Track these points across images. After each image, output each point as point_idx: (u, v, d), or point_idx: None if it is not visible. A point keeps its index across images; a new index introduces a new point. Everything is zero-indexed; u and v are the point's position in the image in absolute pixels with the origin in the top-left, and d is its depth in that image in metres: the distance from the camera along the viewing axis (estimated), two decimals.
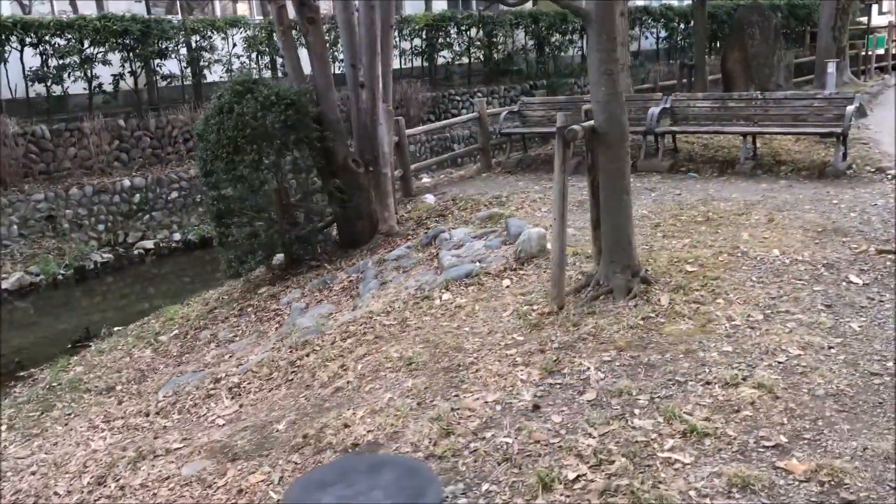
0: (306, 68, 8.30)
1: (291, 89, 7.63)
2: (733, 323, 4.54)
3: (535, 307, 5.21)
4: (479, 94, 18.86)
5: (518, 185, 10.05)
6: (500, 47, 19.75)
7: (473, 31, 18.99)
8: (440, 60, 18.67)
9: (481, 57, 19.41)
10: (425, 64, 18.53)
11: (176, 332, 7.64)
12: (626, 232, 5.10)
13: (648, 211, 7.67)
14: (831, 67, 10.30)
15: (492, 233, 7.45)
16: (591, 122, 5.05)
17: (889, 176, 8.62)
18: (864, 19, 36.24)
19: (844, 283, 5.15)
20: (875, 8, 40.02)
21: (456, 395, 4.07)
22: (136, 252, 12.53)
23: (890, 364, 3.91)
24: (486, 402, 3.91)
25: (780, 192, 8.22)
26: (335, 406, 4.33)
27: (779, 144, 10.25)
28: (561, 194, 5.01)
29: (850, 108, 8.82)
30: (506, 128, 11.37)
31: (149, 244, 12.71)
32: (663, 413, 3.56)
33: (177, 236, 13.02)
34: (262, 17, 17.07)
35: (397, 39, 17.48)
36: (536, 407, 3.79)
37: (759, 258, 5.77)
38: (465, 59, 19.18)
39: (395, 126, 10.14)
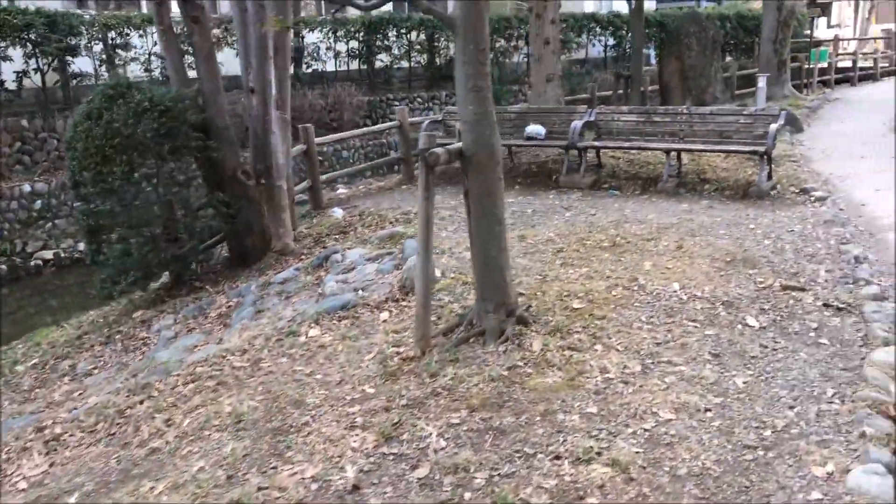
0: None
1: (167, 94, 6.96)
2: (606, 376, 4.01)
3: (401, 349, 4.64)
4: (419, 99, 18.33)
5: (434, 200, 9.47)
6: (441, 52, 19.21)
7: (414, 35, 18.41)
8: (379, 64, 18.06)
9: (422, 61, 18.85)
10: (363, 67, 17.90)
11: (36, 360, 6.90)
12: (500, 266, 4.55)
13: (555, 234, 7.16)
14: (761, 82, 9.93)
15: (387, 255, 6.87)
16: (459, 144, 4.49)
17: (812, 198, 8.25)
18: (814, 32, 36.61)
19: (740, 326, 4.67)
20: (823, 21, 40.53)
21: (274, 468, 3.47)
22: (33, 263, 11.68)
23: (767, 433, 3.41)
24: (303, 479, 3.32)
25: (698, 214, 7.79)
26: (141, 474, 3.70)
27: (707, 161, 9.86)
28: (425, 223, 4.44)
29: (774, 127, 8.43)
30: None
31: (49, 254, 11.86)
32: (496, 499, 3.01)
33: (81, 246, 12.18)
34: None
35: (332, 41, 16.83)
36: (356, 487, 3.21)
37: (655, 293, 5.28)
38: (405, 63, 18.59)
39: (303, 134, 9.53)
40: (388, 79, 18.27)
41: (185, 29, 7.46)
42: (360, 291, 5.97)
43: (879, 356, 4.04)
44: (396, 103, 17.56)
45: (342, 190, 10.74)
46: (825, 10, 45.04)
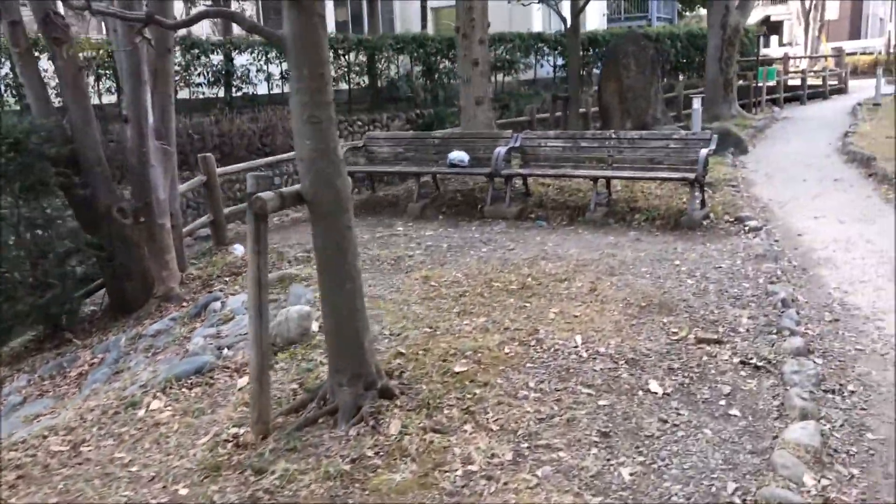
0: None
1: (18, 125, 6.16)
2: (468, 468, 3.31)
3: (242, 430, 3.89)
4: (359, 123, 17.62)
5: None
6: (383, 73, 18.56)
7: (353, 56, 17.74)
8: None
9: (361, 83, 18.17)
10: None
11: None
12: (355, 329, 3.84)
13: (464, 274, 6.48)
14: (696, 103, 9.41)
15: (272, 303, 6.12)
16: (297, 187, 3.79)
17: (747, 228, 7.68)
18: (766, 50, 36.77)
19: (640, 393, 4.01)
20: (775, 39, 40.87)
21: None
22: None
23: None
24: None
25: (623, 248, 7.17)
26: None
27: (641, 187, 9.28)
28: (256, 283, 3.69)
29: (705, 152, 7.87)
30: (347, 165, 10.08)
31: None
32: None
33: None
34: (102, 36, 15.40)
35: (264, 63, 16.08)
36: None
37: (554, 349, 4.61)
38: (344, 85, 17.88)
39: (202, 164, 8.77)
40: None
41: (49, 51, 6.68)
42: (226, 350, 5.21)
43: (793, 435, 3.40)
44: None
45: None
46: (777, 28, 45.54)
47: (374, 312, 5.56)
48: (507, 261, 6.88)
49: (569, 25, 12.73)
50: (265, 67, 15.97)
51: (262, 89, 16.32)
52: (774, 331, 4.80)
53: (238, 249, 8.29)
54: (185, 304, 6.83)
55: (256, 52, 15.80)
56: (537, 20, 24.11)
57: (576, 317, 5.19)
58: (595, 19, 27.90)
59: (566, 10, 16.31)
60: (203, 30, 19.53)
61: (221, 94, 15.57)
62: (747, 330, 4.86)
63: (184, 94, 14.89)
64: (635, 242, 7.43)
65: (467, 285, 6.12)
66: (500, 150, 8.94)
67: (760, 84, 20.46)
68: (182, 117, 13.71)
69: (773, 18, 47.28)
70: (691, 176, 7.82)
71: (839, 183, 10.13)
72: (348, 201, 3.77)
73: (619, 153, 8.66)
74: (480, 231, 8.42)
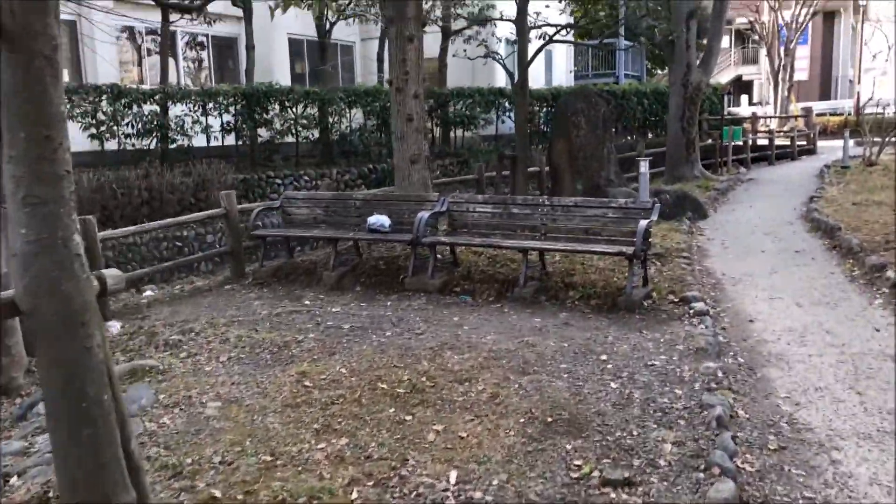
0: None
1: None
2: None
3: None
4: (306, 178, 16.67)
5: (249, 307, 7.73)
6: (334, 127, 17.74)
7: (301, 108, 16.89)
8: (261, 139, 16.43)
9: (310, 136, 17.30)
10: (242, 142, 16.22)
11: None
12: (102, 494, 2.75)
13: (350, 369, 5.43)
14: (643, 167, 8.54)
15: None
16: (10, 293, 2.74)
17: (692, 312, 6.73)
18: (737, 109, 36.62)
19: None
20: (745, 98, 40.90)
21: None
22: None
23: None
24: None
25: (547, 335, 6.17)
26: None
27: (580, 259, 8.33)
28: None
29: (644, 224, 6.95)
30: (259, 228, 9.07)
31: None
32: None
33: None
34: None
35: (201, 115, 15.14)
36: None
37: (416, 493, 3.55)
38: (290, 138, 17.01)
39: (80, 227, 7.69)
40: (269, 155, 16.63)
41: None
42: (15, 479, 4.10)
43: None
44: (279, 181, 15.92)
45: (150, 293, 8.88)
46: (748, 88, 45.71)
47: (218, 426, 4.49)
48: (408, 350, 5.85)
49: (515, 79, 11.94)
50: (202, 119, 15.05)
51: (199, 141, 15.38)
52: (702, 466, 3.77)
53: (114, 327, 7.18)
54: (26, 397, 5.71)
55: (193, 102, 14.91)
56: (500, 75, 23.54)
57: (461, 438, 4.15)
58: (561, 75, 27.51)
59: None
60: (135, 77, 18.69)
61: (154, 145, 14.63)
62: (669, 464, 3.84)
63: (111, 144, 13.91)
64: (563, 327, 6.44)
65: (347, 386, 5.06)
66: (423, 215, 7.98)
67: (726, 143, 19.87)
68: (106, 170, 12.72)
69: (744, 78, 47.54)
70: (629, 251, 6.89)
71: (800, 255, 9.27)
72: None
73: (553, 222, 7.74)
74: (395, 307, 7.41)
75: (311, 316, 7.20)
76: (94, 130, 13.48)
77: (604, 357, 5.54)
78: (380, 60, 20.85)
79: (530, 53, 12.21)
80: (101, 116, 13.59)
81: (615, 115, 16.57)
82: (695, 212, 12.35)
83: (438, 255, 8.29)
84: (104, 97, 13.53)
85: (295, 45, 21.75)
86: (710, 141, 21.01)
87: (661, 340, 5.96)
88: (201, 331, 6.61)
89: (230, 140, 16.10)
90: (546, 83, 25.94)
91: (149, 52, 18.41)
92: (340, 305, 7.62)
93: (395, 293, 7.96)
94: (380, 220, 8.35)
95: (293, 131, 16.78)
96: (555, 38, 12.73)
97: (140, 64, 18.44)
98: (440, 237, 7.94)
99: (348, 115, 17.92)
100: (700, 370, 5.19)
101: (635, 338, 6.06)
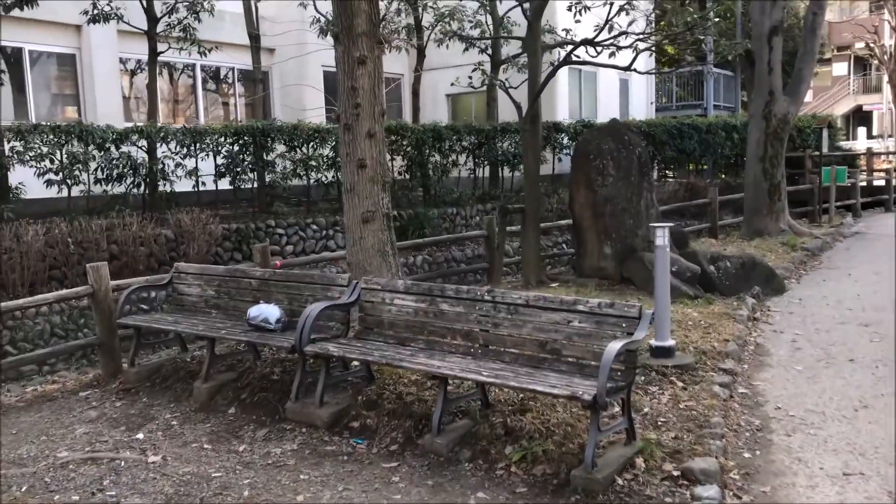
0: None
1: None
2: None
3: None
4: (315, 227, 14.45)
5: (62, 438, 5.43)
6: None
7: (307, 147, 14.69)
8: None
9: (324, 179, 15.10)
10: (239, 186, 14.16)
11: None
12: None
13: None
14: (660, 238, 5.70)
15: None
16: None
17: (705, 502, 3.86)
18: (851, 143, 32.13)
19: None
20: (863, 131, 36.13)
21: None
22: None
23: None
24: None
25: None
26: None
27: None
28: None
29: (615, 349, 4.14)
30: (129, 315, 6.74)
31: None
32: None
33: None
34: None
35: (183, 156, 13.15)
36: None
37: None
38: (297, 181, 14.86)
39: None
40: (271, 201, 14.51)
41: None
42: None
43: None
44: (280, 232, 13.75)
45: None
46: (867, 119, 40.78)
47: None
48: None
49: (523, 113, 9.26)
50: (184, 161, 13.09)
51: (183, 186, 13.44)
52: None
53: None
54: None
55: (176, 142, 13.01)
56: (562, 108, 20.82)
57: None
58: (640, 107, 24.44)
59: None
60: (108, 115, 17.09)
61: (139, 191, 12.80)
62: None
63: (72, 190, 12.12)
64: None
65: None
66: (313, 309, 5.44)
67: (827, 186, 16.34)
68: (61, 222, 10.90)
69: (864, 108, 42.64)
70: (587, 394, 4.08)
71: None
72: None
73: (495, 327, 5.03)
74: (249, 456, 4.91)
75: (109, 471, 4.78)
76: (52, 176, 11.72)
77: None
78: (415, 95, 18.61)
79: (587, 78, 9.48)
80: (61, 159, 11.83)
81: (651, 156, 13.51)
82: (765, 285, 9.22)
83: (347, 369, 5.73)
84: (65, 137, 11.78)
85: (332, 79, 19.77)
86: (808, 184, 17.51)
87: None
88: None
89: (224, 185, 14.09)
90: (622, 114, 22.99)
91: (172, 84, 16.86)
92: (179, 447, 5.18)
93: (270, 425, 5.45)
94: (264, 311, 5.87)
95: (300, 173, 14.62)
96: (591, 59, 9.97)
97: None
98: (331, 345, 5.35)
99: None
100: None
101: None
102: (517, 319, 4.94)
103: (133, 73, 16.60)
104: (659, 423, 4.96)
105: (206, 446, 5.16)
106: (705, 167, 22.64)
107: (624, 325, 4.50)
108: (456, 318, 5.23)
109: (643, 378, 5.75)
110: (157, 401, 6.20)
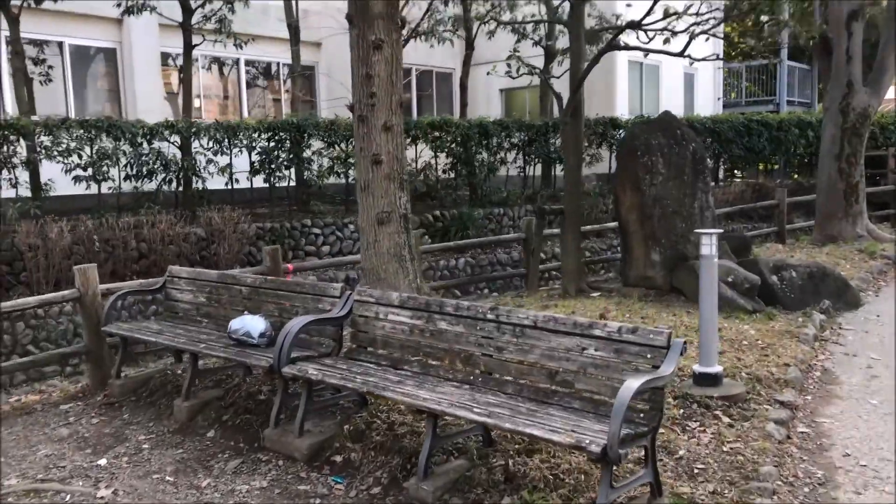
0: None
1: None
2: None
3: None
4: (353, 226, 13.84)
5: (21, 459, 4.90)
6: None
7: (346, 144, 14.06)
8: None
9: None
10: (275, 184, 13.63)
11: None
12: None
13: None
14: (706, 246, 4.77)
15: None
16: None
17: None
18: None
19: None
20: None
21: None
22: None
23: None
24: None
25: None
26: None
27: None
28: None
29: (632, 387, 3.29)
30: (115, 322, 6.19)
31: None
32: None
33: None
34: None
35: (215, 152, 12.69)
36: None
37: None
38: (333, 179, 14.25)
39: None
40: (307, 200, 13.96)
41: None
42: None
43: None
44: (316, 231, 13.21)
45: None
46: None
47: None
48: None
49: (563, 105, 8.38)
50: (216, 158, 12.64)
51: (216, 184, 13.01)
52: None
53: None
54: None
55: (208, 137, 12.57)
56: (622, 101, 19.74)
57: None
58: (706, 102, 23.07)
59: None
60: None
61: (173, 187, 12.40)
62: None
63: (102, 188, 11.77)
64: None
65: None
66: (294, 324, 4.75)
67: None
68: (87, 219, 10.57)
69: None
70: (595, 445, 3.25)
71: None
72: None
73: (499, 351, 4.24)
74: (212, 492, 4.29)
75: None
76: (80, 172, 11.41)
77: None
78: (463, 88, 17.83)
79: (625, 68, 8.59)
80: (91, 155, 11.52)
81: (708, 153, 12.37)
82: (837, 298, 8.13)
83: (334, 393, 5.02)
84: (94, 132, 11.45)
85: None
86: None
87: None
88: None
89: (259, 182, 13.59)
90: (687, 110, 21.73)
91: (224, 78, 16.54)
92: (138, 477, 4.57)
93: (245, 454, 4.79)
94: (247, 324, 5.22)
95: (338, 171, 14.01)
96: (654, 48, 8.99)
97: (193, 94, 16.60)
98: (312, 367, 4.63)
99: (415, 149, 14.94)
100: None
101: None
102: (523, 343, 4.14)
103: (176, 69, 16.33)
104: (695, 470, 4.09)
105: (168, 478, 4.53)
106: (776, 167, 21.21)
107: (649, 355, 3.66)
108: (455, 338, 4.46)
109: (682, 412, 4.87)
110: (137, 418, 5.63)
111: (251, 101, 17.94)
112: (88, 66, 15.04)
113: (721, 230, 5.89)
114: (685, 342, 3.67)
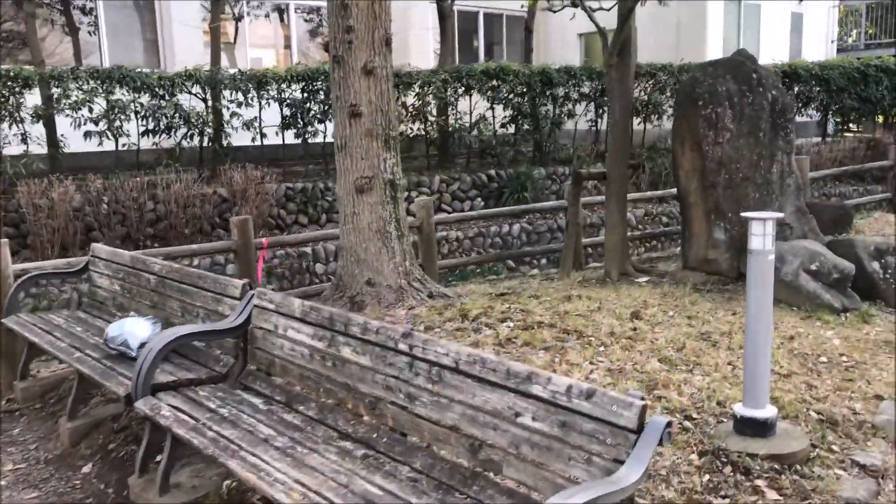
0: None
1: None
2: None
3: None
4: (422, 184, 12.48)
5: None
6: (460, 113, 13.35)
7: (402, 96, 12.70)
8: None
9: (424, 131, 13.04)
10: (317, 140, 12.41)
11: None
12: None
13: None
14: (757, 237, 3.23)
15: None
16: None
17: None
18: None
19: None
20: None
21: None
22: None
23: None
24: None
25: None
26: None
27: None
28: None
29: (573, 500, 1.84)
30: (15, 315, 5.07)
31: None
32: None
33: None
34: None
35: (240, 105, 11.55)
36: None
37: None
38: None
39: None
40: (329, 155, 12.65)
41: None
42: None
43: None
44: None
45: None
46: None
47: None
48: None
49: (608, 50, 6.62)
50: (240, 111, 11.50)
51: (243, 140, 11.92)
52: None
53: None
54: None
55: (233, 88, 11.44)
56: (715, 46, 17.41)
57: None
58: (818, 46, 20.23)
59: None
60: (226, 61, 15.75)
61: (201, 143, 11.39)
62: None
63: (119, 144, 10.86)
64: None
65: None
66: (162, 339, 3.46)
67: None
68: (96, 179, 9.68)
69: None
70: None
71: None
72: None
73: (410, 400, 2.81)
74: None
75: None
76: (92, 126, 10.53)
77: None
78: (528, 32, 15.98)
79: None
80: (107, 108, 10.62)
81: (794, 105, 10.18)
82: None
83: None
84: (106, 83, 10.52)
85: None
86: None
87: None
88: None
89: (290, 138, 12.43)
90: (793, 55, 19.11)
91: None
92: None
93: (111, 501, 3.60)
94: (127, 330, 3.97)
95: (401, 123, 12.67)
96: None
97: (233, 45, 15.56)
98: (173, 401, 3.35)
99: (470, 101, 13.38)
100: None
101: None
102: (441, 394, 2.70)
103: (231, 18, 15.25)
104: None
105: None
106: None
107: (609, 440, 2.16)
108: (359, 374, 3.06)
109: (706, 479, 3.32)
110: (25, 435, 4.56)
111: (300, 49, 16.73)
112: (123, 15, 14.14)
113: (778, 214, 4.17)
114: (669, 422, 2.14)
